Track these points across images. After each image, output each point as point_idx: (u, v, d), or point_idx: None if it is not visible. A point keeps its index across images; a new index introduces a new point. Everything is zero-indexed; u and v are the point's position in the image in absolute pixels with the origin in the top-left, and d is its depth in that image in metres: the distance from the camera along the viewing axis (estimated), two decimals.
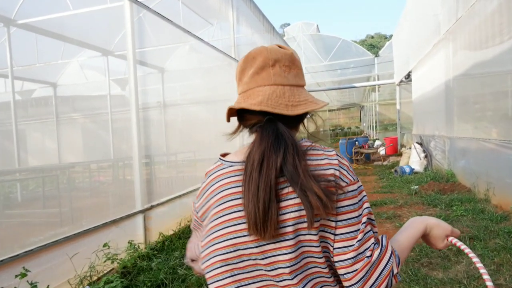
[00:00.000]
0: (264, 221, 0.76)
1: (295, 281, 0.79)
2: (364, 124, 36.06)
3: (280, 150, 0.81)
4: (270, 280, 0.81)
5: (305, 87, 0.96)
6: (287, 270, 0.78)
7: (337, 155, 0.87)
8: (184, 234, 4.84)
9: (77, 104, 16.34)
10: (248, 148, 0.86)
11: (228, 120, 0.93)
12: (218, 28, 11.40)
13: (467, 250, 0.97)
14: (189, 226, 5.23)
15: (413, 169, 9.25)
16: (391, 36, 22.08)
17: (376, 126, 23.74)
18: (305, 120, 0.97)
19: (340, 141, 14.32)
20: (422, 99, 10.31)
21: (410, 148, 10.54)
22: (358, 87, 16.86)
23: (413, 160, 9.78)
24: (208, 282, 0.85)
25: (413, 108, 11.91)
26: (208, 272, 0.84)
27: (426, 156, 9.70)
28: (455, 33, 6.97)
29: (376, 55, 22.50)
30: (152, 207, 4.40)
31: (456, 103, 7.30)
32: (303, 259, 0.80)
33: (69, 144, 14.71)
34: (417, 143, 10.13)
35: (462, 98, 7.05)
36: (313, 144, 0.88)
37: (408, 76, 14.56)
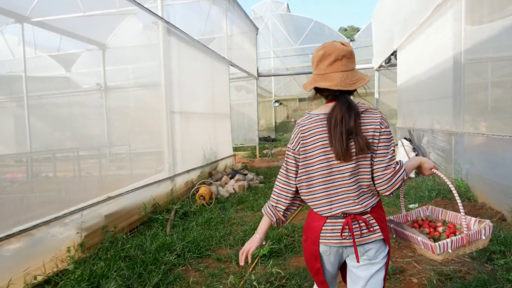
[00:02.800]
0: (344, 152, 1.54)
1: (351, 180, 1.58)
2: None
3: (351, 113, 1.55)
4: (335, 189, 1.60)
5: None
6: (350, 180, 1.58)
7: (380, 112, 1.61)
8: None
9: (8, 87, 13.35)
10: (329, 108, 1.61)
11: (309, 90, 1.68)
12: None
13: (442, 176, 1.77)
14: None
15: None
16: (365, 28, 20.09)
17: None
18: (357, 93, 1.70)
19: None
20: (413, 83, 8.20)
21: (396, 145, 8.44)
22: None
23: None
24: (305, 190, 1.67)
25: (398, 95, 9.83)
26: (310, 174, 1.64)
27: (417, 156, 7.59)
28: None
29: (352, 39, 20.43)
30: None
31: (472, 86, 5.17)
32: (358, 169, 1.57)
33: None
34: (406, 139, 8.04)
35: (483, 78, 4.92)
36: (368, 107, 1.61)
37: (389, 60, 12.55)
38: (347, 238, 1.59)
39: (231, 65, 10.43)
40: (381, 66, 13.27)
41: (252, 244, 1.80)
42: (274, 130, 22.02)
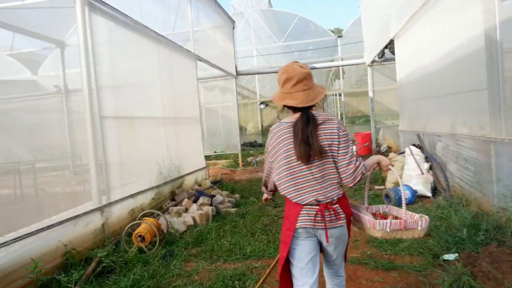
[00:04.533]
0: (303, 155, 1.90)
1: (319, 175, 1.95)
2: None
3: (309, 124, 1.93)
4: (305, 183, 1.96)
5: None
6: (318, 175, 1.94)
7: (337, 119, 2.03)
8: None
9: None
10: (294, 119, 1.98)
11: (279, 105, 2.08)
12: None
13: (396, 173, 2.10)
14: None
15: (415, 192, 5.51)
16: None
17: (341, 119, 20.17)
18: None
19: None
20: (419, 76, 6.59)
21: (403, 153, 6.81)
22: (319, 68, 13.08)
23: (410, 173, 6.06)
24: (277, 182, 2.04)
25: (399, 92, 8.22)
26: (278, 177, 2.02)
27: (431, 168, 6.02)
28: None
29: (340, 35, 18.85)
30: None
31: None
32: (324, 166, 1.95)
33: None
34: (415, 146, 6.42)
35: None
36: (327, 117, 1.99)
37: (382, 54, 11.04)
38: (319, 222, 1.97)
39: (199, 60, 8.74)
40: (374, 61, 11.70)
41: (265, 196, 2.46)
42: (260, 134, 20.33)
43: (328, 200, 1.94)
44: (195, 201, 5.68)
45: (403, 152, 6.78)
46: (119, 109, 5.06)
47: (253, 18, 18.77)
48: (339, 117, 20.92)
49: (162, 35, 6.54)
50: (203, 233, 4.56)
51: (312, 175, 1.94)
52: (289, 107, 2.05)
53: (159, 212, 4.58)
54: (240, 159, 11.95)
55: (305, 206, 1.95)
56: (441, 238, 3.49)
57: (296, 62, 2.04)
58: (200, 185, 7.13)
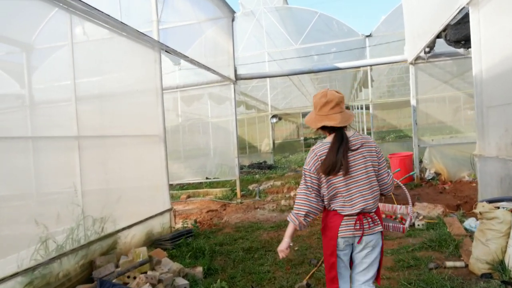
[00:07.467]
0: (335, 170, 2.21)
1: (368, 191, 2.24)
2: None
3: (343, 142, 2.20)
4: (361, 191, 2.24)
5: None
6: (366, 187, 2.25)
7: (374, 142, 2.33)
8: None
9: None
10: (332, 139, 2.23)
11: (316, 128, 2.33)
12: None
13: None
14: None
15: None
16: None
17: (370, 134, 16.85)
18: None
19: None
20: None
21: (503, 201, 3.68)
22: (342, 68, 10.08)
23: None
24: (326, 197, 2.24)
25: (478, 91, 5.06)
26: (328, 191, 2.23)
27: None
28: None
29: (368, 34, 15.69)
30: None
31: None
32: (370, 179, 2.26)
33: None
34: None
35: None
36: (364, 139, 2.29)
37: (430, 49, 8.15)
38: (358, 230, 2.21)
39: (167, 52, 5.94)
40: (418, 57, 8.67)
41: (282, 245, 2.33)
42: (272, 153, 17.26)
43: (372, 210, 2.27)
44: None
45: (504, 200, 3.67)
46: None
47: (266, 18, 16.02)
48: (365, 133, 17.75)
49: None
50: None
51: (361, 186, 2.23)
52: (324, 129, 2.33)
53: None
54: (238, 188, 8.98)
55: (345, 217, 2.23)
56: None
57: (330, 89, 2.32)
58: (111, 272, 4.14)
